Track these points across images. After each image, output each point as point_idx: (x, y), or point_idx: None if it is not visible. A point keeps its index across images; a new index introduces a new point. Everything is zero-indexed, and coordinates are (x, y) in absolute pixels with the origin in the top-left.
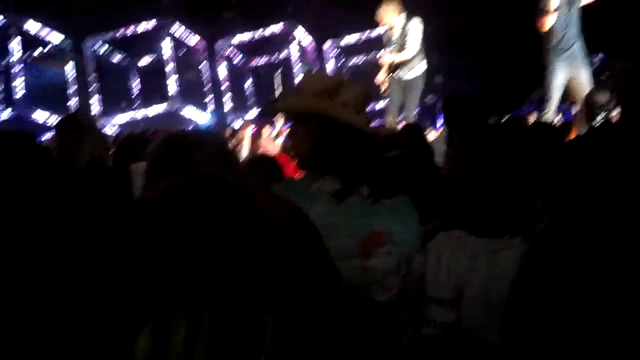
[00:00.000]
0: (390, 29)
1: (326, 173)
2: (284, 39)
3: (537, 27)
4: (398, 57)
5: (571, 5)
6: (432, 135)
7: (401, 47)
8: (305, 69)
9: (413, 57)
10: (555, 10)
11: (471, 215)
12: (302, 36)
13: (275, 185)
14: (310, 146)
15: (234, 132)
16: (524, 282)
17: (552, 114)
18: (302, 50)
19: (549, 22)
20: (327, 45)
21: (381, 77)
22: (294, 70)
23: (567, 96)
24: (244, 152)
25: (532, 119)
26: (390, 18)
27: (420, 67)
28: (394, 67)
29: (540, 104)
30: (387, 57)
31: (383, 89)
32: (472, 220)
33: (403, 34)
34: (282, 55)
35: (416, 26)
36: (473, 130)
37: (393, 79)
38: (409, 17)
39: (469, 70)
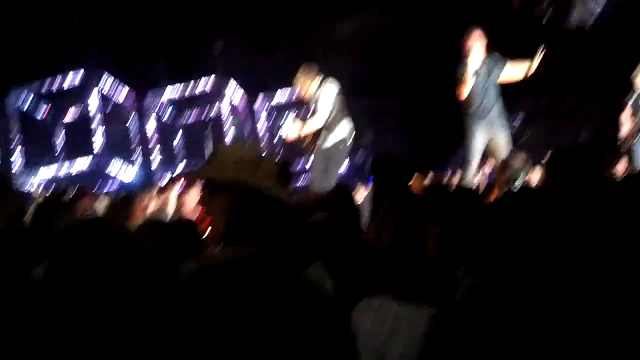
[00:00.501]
0: (307, 95)
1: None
2: (215, 94)
3: (456, 95)
4: (306, 127)
5: (489, 74)
6: (361, 194)
7: (313, 114)
8: (235, 123)
9: (329, 124)
10: (473, 77)
11: (394, 282)
12: (233, 91)
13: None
14: (228, 217)
15: (161, 190)
16: (430, 349)
17: (472, 176)
18: (233, 106)
19: (465, 90)
20: (258, 102)
21: (305, 145)
22: (225, 127)
23: (488, 157)
24: (170, 210)
25: (455, 179)
26: (305, 84)
27: (338, 134)
28: (315, 134)
29: (462, 165)
30: (293, 128)
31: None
32: (394, 287)
33: (315, 100)
34: (214, 110)
35: (327, 91)
36: (397, 197)
37: (316, 146)
38: (322, 82)
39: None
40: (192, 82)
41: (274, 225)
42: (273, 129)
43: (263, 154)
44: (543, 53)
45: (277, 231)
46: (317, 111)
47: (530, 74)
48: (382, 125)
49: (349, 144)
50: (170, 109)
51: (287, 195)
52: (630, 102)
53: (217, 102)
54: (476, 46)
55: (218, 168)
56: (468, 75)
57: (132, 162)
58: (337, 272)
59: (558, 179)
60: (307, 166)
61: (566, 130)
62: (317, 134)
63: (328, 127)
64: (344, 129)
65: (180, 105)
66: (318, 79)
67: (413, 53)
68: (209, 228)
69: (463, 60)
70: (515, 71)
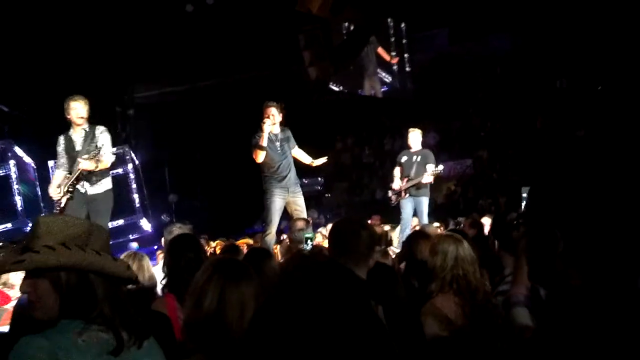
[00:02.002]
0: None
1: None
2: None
3: (253, 158)
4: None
5: (285, 143)
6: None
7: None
8: (24, 188)
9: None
10: (270, 143)
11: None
12: (20, 155)
13: (36, 337)
14: (58, 297)
15: None
16: None
17: (272, 236)
18: (21, 168)
19: (260, 156)
20: (51, 163)
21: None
22: (13, 188)
23: (290, 217)
24: None
25: (258, 240)
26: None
27: (108, 181)
28: (75, 180)
29: (263, 226)
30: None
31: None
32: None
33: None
34: (1, 172)
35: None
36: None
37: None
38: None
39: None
40: None
41: (113, 300)
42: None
43: (92, 227)
44: (325, 160)
45: (117, 306)
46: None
47: (313, 165)
48: (185, 189)
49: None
50: None
51: (124, 266)
52: (402, 160)
53: (3, 166)
54: (273, 117)
55: (43, 250)
56: (263, 142)
57: None
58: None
59: (335, 250)
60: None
61: (365, 191)
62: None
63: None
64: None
65: None
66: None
67: (214, 118)
68: (39, 310)
69: (261, 128)
70: (302, 156)
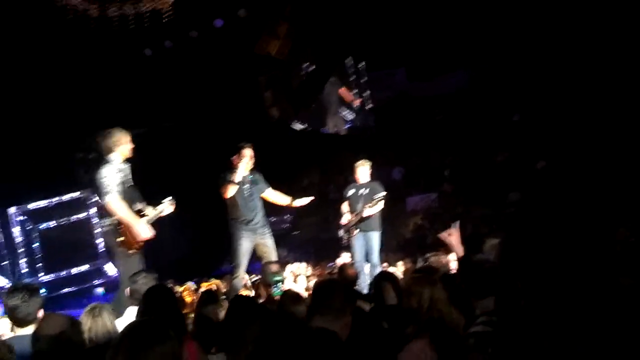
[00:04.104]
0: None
1: None
2: None
3: (222, 193)
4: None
5: (254, 185)
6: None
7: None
8: None
9: None
10: (239, 183)
11: None
12: None
13: None
14: None
15: None
16: None
17: (240, 278)
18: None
19: (231, 191)
20: (12, 210)
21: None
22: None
23: (260, 259)
24: None
25: (226, 283)
26: None
27: None
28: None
29: (231, 269)
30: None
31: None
32: None
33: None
34: None
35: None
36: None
37: None
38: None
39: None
40: None
41: None
42: (30, 238)
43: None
44: (310, 201)
45: None
46: None
47: (292, 206)
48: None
49: None
50: None
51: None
52: (348, 194)
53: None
54: (245, 159)
55: None
56: (235, 178)
57: None
58: None
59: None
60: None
61: (331, 228)
62: None
63: None
64: None
65: None
66: None
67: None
68: None
69: (231, 167)
70: (278, 198)
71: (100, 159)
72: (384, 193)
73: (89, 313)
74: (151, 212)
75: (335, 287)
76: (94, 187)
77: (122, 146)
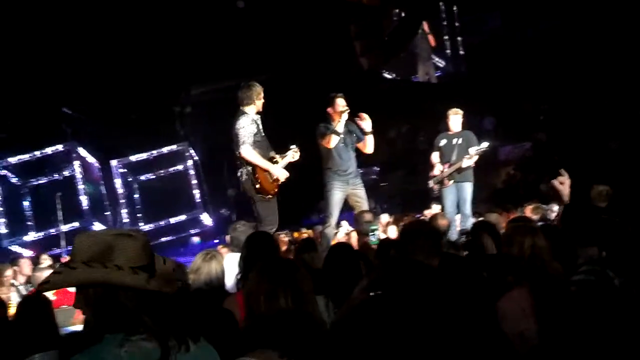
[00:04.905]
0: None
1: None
2: (64, 159)
3: (323, 144)
4: None
5: (349, 136)
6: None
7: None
8: (89, 188)
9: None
10: (337, 135)
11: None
12: (84, 156)
13: (81, 355)
14: (92, 312)
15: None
16: None
17: (332, 228)
18: (86, 168)
19: (333, 140)
20: (114, 163)
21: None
22: (79, 188)
23: (353, 209)
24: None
25: (318, 230)
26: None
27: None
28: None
29: (323, 218)
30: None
31: None
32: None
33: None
34: (66, 173)
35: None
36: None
37: None
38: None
39: None
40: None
41: (147, 311)
42: (130, 189)
43: (116, 241)
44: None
45: (153, 315)
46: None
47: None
48: None
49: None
50: (15, 175)
51: (144, 281)
52: (440, 144)
53: (68, 165)
54: (343, 108)
55: (64, 271)
56: (339, 128)
57: None
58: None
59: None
60: None
61: (420, 179)
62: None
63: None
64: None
65: (27, 170)
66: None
67: (270, 112)
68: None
69: (328, 118)
70: (370, 147)
71: (238, 110)
72: (487, 144)
73: (202, 255)
74: (281, 160)
75: (425, 228)
76: (232, 136)
77: (258, 99)
